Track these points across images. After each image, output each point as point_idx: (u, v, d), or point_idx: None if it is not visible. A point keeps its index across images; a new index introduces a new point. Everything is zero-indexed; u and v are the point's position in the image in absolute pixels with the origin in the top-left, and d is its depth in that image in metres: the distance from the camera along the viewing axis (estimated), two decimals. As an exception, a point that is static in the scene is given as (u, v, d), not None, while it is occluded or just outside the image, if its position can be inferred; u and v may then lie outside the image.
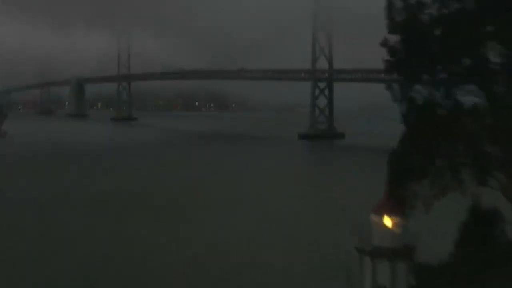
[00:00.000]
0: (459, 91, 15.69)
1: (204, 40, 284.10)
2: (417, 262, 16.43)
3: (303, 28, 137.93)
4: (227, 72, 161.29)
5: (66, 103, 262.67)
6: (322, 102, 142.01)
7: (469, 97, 15.93)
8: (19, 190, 55.42)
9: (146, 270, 29.81)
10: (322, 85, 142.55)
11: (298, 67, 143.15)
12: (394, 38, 15.99)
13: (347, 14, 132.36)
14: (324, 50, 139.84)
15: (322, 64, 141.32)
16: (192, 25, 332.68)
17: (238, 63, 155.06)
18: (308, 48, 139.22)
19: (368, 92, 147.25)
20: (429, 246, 16.70)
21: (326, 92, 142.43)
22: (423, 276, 16.55)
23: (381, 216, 16.07)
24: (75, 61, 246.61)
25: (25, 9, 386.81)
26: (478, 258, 15.75)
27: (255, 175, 67.22)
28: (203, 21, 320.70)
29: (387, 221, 16.04)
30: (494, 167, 15.52)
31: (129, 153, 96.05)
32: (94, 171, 71.61)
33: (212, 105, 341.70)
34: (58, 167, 74.66)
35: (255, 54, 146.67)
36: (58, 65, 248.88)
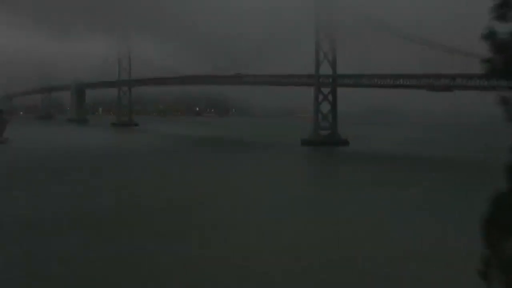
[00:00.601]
0: None
1: (205, 44, 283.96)
2: None
3: (304, 33, 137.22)
4: (224, 77, 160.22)
5: (68, 108, 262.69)
6: (324, 107, 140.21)
7: None
8: (18, 195, 55.14)
9: (146, 272, 29.48)
10: (325, 90, 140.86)
11: (299, 72, 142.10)
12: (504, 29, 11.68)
13: (350, 19, 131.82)
14: (327, 55, 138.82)
15: (324, 68, 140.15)
16: (193, 30, 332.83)
17: (239, 68, 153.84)
18: (310, 52, 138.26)
19: (369, 96, 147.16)
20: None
21: (329, 97, 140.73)
22: None
23: None
24: (76, 66, 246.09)
25: (24, 15, 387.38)
26: None
27: (260, 183, 66.53)
28: (204, 26, 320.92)
29: None
30: None
31: (130, 159, 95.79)
32: (93, 176, 71.51)
33: (212, 110, 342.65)
34: (58, 172, 74.55)
35: (256, 59, 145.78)
36: (59, 70, 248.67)
